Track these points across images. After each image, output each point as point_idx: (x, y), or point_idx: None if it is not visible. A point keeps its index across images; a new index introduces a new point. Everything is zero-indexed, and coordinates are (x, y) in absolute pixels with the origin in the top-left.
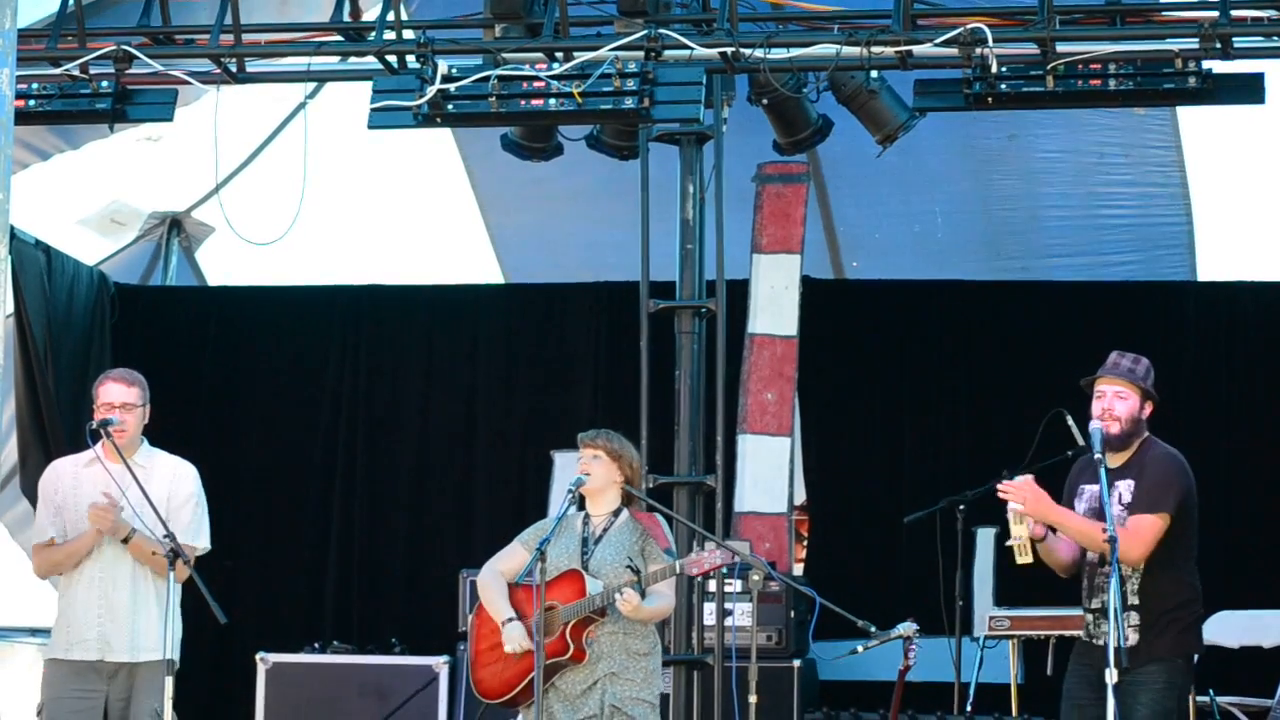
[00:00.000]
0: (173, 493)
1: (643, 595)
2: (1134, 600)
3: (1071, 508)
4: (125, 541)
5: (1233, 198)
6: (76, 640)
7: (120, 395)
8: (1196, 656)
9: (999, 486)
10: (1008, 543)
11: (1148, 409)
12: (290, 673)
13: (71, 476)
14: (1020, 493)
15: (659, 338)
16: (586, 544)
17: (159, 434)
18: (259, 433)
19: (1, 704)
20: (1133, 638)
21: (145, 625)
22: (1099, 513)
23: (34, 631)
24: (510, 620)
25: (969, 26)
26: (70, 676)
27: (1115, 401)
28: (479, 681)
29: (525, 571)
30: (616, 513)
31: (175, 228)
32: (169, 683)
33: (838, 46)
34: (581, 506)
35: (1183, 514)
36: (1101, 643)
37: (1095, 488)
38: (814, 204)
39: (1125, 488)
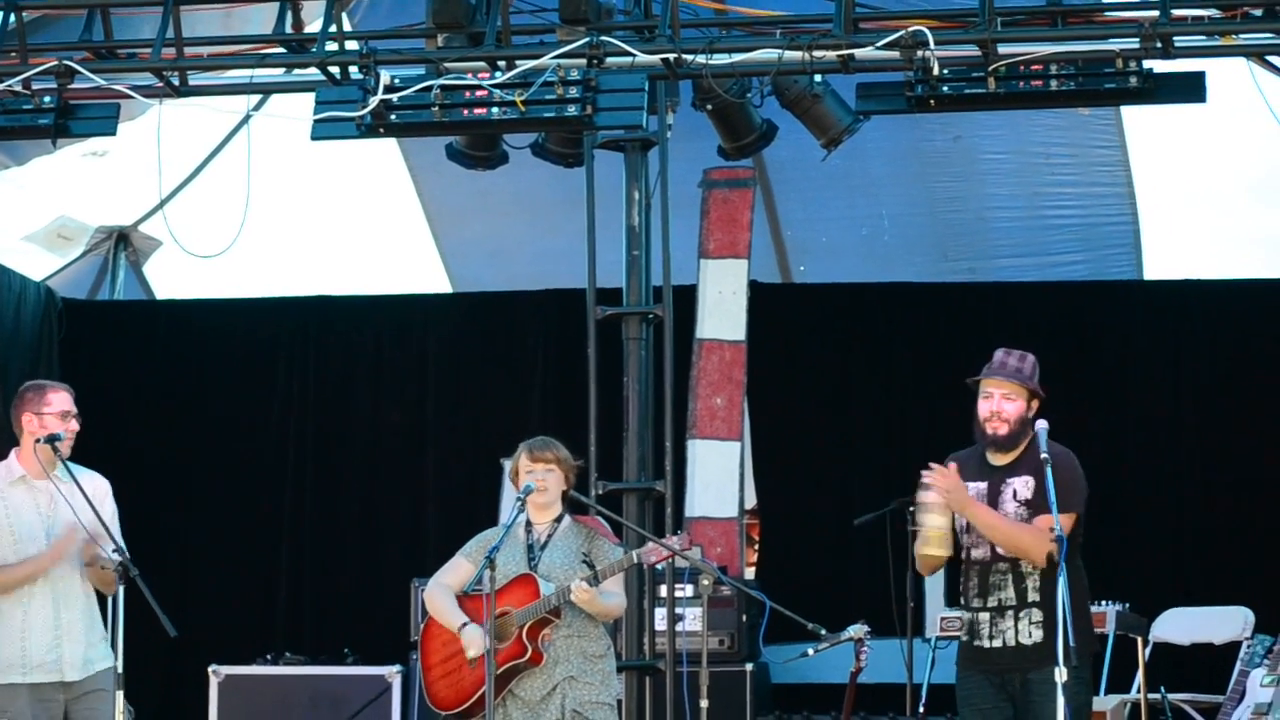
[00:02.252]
0: (99, 509)
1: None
2: (1034, 597)
3: None
4: (89, 565)
5: (1177, 196)
6: (35, 664)
7: (70, 404)
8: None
9: (925, 474)
10: (918, 528)
11: (1034, 407)
12: (243, 684)
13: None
14: (945, 481)
15: (607, 344)
16: (533, 550)
17: (109, 449)
18: (208, 445)
19: None
20: (1037, 635)
21: (97, 641)
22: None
23: None
24: (466, 624)
25: (910, 29)
26: (28, 691)
27: (1003, 404)
28: (434, 695)
29: (475, 580)
30: (559, 518)
31: (122, 242)
32: (119, 697)
33: (780, 51)
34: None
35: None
36: (1000, 644)
37: (981, 485)
38: (760, 208)
39: (1021, 484)
